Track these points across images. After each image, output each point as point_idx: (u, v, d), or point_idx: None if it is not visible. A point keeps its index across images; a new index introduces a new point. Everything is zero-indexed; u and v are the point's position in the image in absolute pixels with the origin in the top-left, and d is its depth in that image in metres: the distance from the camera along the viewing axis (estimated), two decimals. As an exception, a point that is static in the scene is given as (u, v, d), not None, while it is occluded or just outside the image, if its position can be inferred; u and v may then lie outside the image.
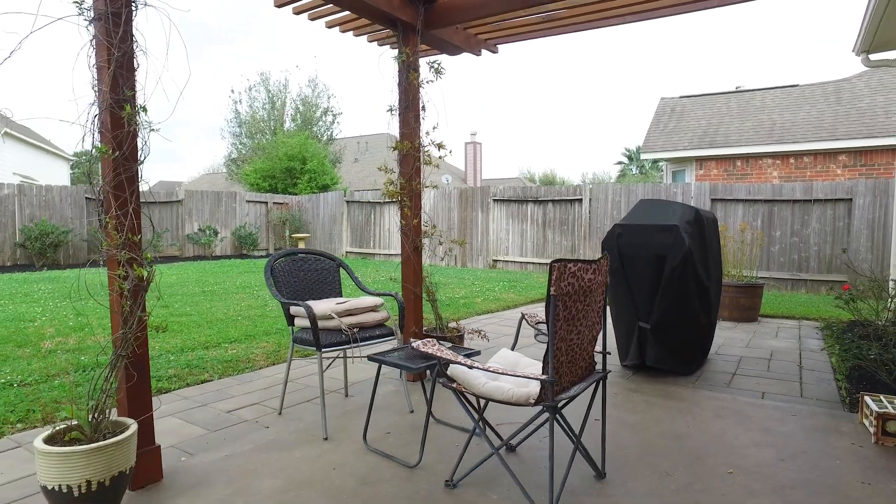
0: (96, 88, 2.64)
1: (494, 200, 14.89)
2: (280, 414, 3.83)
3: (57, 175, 33.29)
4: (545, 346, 4.54)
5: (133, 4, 2.65)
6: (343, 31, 5.09)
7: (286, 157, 21.47)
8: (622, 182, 36.19)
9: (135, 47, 2.66)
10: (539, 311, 8.34)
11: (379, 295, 3.94)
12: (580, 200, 13.51)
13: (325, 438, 3.35)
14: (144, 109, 2.68)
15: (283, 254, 3.92)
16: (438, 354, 2.64)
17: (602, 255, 2.87)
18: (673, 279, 4.52)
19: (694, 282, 4.60)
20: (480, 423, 2.70)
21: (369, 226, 17.19)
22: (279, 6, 4.54)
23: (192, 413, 3.84)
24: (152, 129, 2.72)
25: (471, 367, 2.61)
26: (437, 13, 4.49)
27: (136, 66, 2.68)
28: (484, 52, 5.47)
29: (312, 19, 4.82)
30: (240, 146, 28.40)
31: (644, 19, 4.82)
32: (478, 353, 3.22)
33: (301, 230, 18.15)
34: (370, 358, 3.13)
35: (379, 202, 16.90)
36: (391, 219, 16.75)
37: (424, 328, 4.71)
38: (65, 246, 13.72)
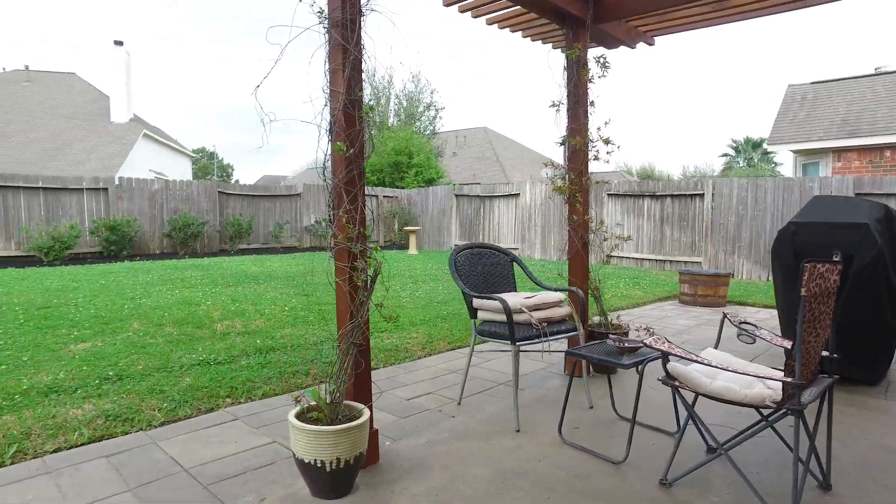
0: (326, 90, 2.81)
1: (609, 195, 14.55)
2: (459, 404, 3.95)
3: (182, 170, 36.02)
4: (747, 346, 4.39)
5: (362, 12, 2.80)
6: (501, 28, 5.13)
7: (393, 152, 22.02)
8: (727, 175, 34.23)
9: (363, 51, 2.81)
10: (695, 310, 8.10)
11: (556, 290, 3.97)
12: (701, 195, 12.92)
13: (518, 430, 3.42)
14: (372, 109, 2.84)
15: (464, 247, 4.02)
16: (672, 351, 2.62)
17: (834, 256, 2.73)
18: (862, 280, 4.23)
19: (885, 283, 4.28)
20: (697, 424, 2.66)
21: (478, 219, 17.31)
22: (447, 5, 4.65)
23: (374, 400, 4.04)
24: (378, 126, 2.86)
25: (708, 367, 2.58)
26: (607, 7, 4.43)
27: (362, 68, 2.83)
28: (640, 44, 5.34)
29: (475, 17, 4.90)
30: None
31: (822, 3, 4.53)
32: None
33: (410, 223, 18.56)
34: (569, 353, 3.15)
35: (488, 196, 16.98)
36: (501, 212, 16.79)
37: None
38: (201, 236, 14.81)
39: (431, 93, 28.48)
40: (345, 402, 2.84)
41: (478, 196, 17.34)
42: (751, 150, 37.92)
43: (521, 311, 3.50)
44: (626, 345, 3.17)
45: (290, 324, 6.28)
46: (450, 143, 33.67)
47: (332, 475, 2.46)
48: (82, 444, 3.26)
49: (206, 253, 14.93)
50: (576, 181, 4.43)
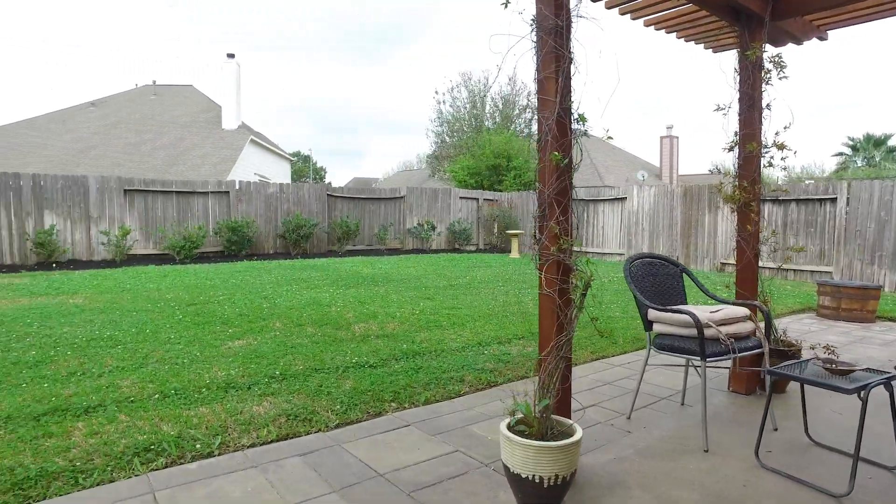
0: (533, 99, 2.77)
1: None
2: (629, 418, 3.82)
3: (282, 173, 37.78)
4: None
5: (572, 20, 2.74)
6: (658, 30, 4.95)
7: (492, 155, 22.01)
8: (842, 176, 31.66)
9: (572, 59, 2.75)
10: (840, 325, 7.48)
11: (734, 304, 3.75)
12: (833, 200, 11.99)
13: (706, 451, 3.25)
14: (584, 118, 2.77)
15: (636, 257, 3.89)
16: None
17: None
18: None
19: None
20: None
21: (581, 224, 16.96)
22: (609, 7, 4.53)
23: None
24: (584, 134, 2.80)
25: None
26: (789, 2, 4.15)
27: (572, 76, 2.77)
28: (810, 39, 4.99)
29: (635, 18, 4.75)
30: (441, 144, 29.75)
31: None
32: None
33: (510, 226, 18.47)
34: (774, 373, 2.95)
35: (592, 200, 16.60)
36: (605, 217, 16.37)
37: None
38: (312, 237, 15.40)
39: (528, 94, 28.25)
40: (554, 416, 2.79)
41: (581, 200, 16.99)
42: (872, 149, 34.98)
43: (708, 326, 3.33)
44: (836, 367, 2.93)
45: (425, 328, 6.35)
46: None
47: (548, 491, 2.41)
48: (272, 441, 3.41)
49: (315, 253, 15.50)
50: (749, 189, 4.18)
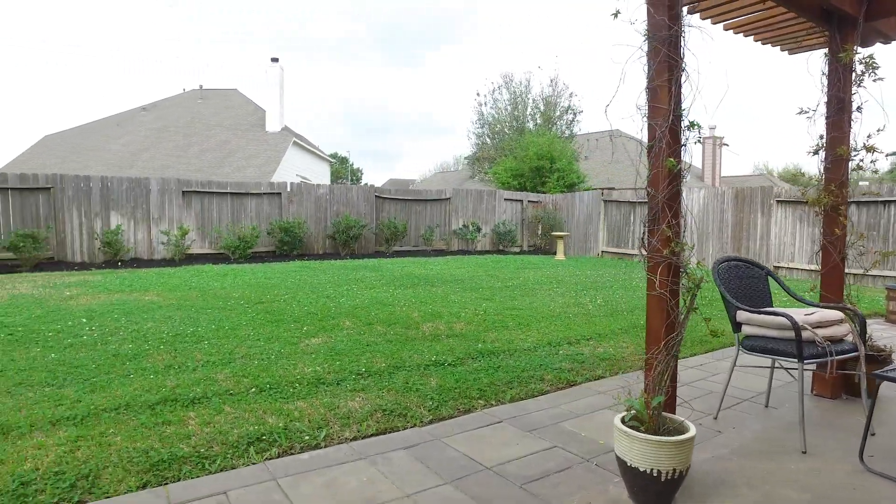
0: (644, 107, 2.85)
1: (778, 202, 13.57)
2: (716, 418, 3.85)
3: (322, 174, 38.42)
4: None
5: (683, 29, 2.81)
6: (737, 33, 4.95)
7: (535, 157, 22.00)
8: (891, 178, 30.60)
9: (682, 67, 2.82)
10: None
11: (826, 307, 3.75)
12: None
13: (804, 452, 3.27)
14: (695, 125, 2.83)
15: (723, 259, 3.92)
16: None
17: None
18: None
19: None
20: None
21: (628, 226, 16.86)
22: (691, 12, 4.55)
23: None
24: (698, 141, 2.86)
25: None
26: (882, 2, 4.12)
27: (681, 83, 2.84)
28: None
29: (715, 23, 4.77)
30: (482, 145, 29.84)
31: None
32: None
33: (555, 228, 18.45)
34: (878, 376, 2.96)
35: (640, 202, 16.47)
36: (652, 219, 16.22)
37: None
38: (360, 238, 15.66)
39: (570, 96, 28.16)
40: (663, 413, 2.86)
41: (628, 202, 16.90)
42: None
43: (804, 328, 3.34)
44: (945, 371, 2.92)
45: (492, 328, 6.44)
46: (581, 147, 33.12)
47: (665, 485, 2.49)
48: (372, 435, 3.55)
49: (363, 254, 15.76)
50: (837, 193, 4.16)
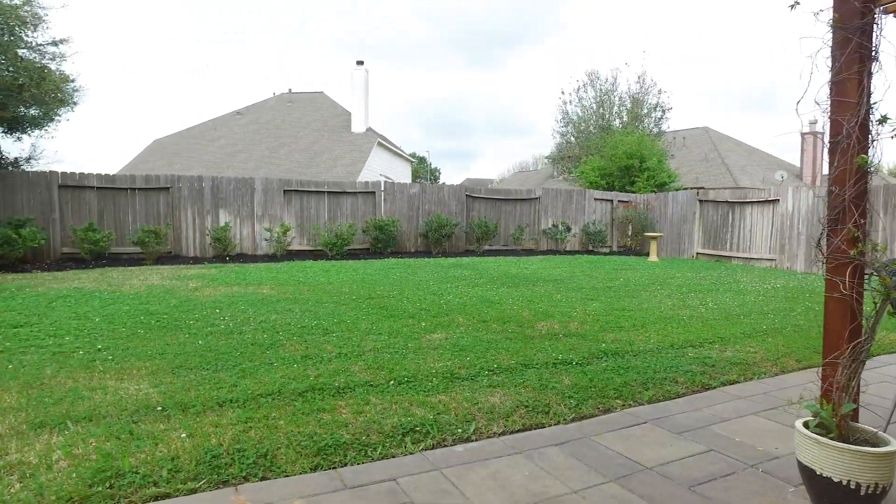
0: (825, 102, 2.72)
1: (902, 202, 12.59)
2: (885, 430, 3.62)
3: (403, 174, 39.10)
4: None
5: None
6: None
7: (624, 156, 21.48)
8: None
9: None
10: None
11: None
12: None
13: None
14: (886, 120, 2.69)
15: (889, 262, 3.69)
16: None
17: None
18: None
19: None
20: None
21: (726, 227, 16.15)
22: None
23: (784, 417, 3.88)
24: (892, 137, 2.70)
25: None
26: None
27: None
28: None
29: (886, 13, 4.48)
30: (566, 144, 29.44)
31: None
32: None
33: (647, 229, 17.94)
34: None
35: (739, 202, 15.75)
36: (753, 220, 15.47)
37: None
38: (451, 237, 15.82)
39: (659, 92, 27.27)
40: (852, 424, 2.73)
41: (726, 202, 16.18)
42: None
43: None
44: None
45: (607, 328, 6.35)
46: (667, 145, 32.02)
47: (865, 499, 2.37)
48: (519, 431, 3.59)
49: (454, 252, 15.90)
50: None
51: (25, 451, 3.05)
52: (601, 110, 27.76)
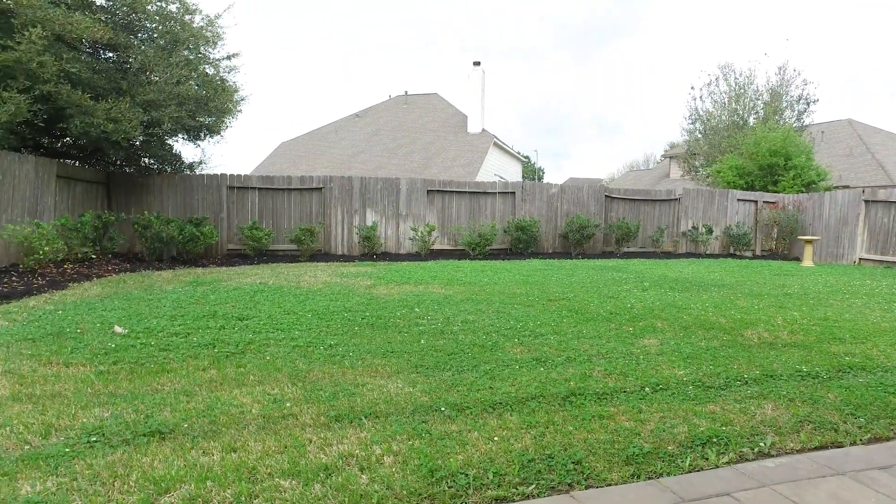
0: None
1: None
2: None
3: (515, 174, 38.95)
4: None
5: None
6: None
7: (767, 153, 20.09)
8: None
9: None
10: None
11: None
12: None
13: None
14: None
15: None
16: None
17: None
18: None
19: None
20: None
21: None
22: None
23: None
24: None
25: None
26: None
27: None
28: None
29: None
30: (694, 142, 28.07)
31: None
32: None
33: (797, 231, 16.70)
34: None
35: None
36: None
37: None
38: (591, 238, 15.48)
39: (804, 83, 25.26)
40: None
41: (887, 202, 14.72)
42: None
43: None
44: None
45: (826, 339, 5.87)
46: (807, 140, 29.68)
47: None
48: (816, 449, 3.34)
49: (592, 254, 15.55)
50: None
51: (343, 444, 3.20)
52: (734, 105, 26.15)
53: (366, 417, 3.58)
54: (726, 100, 26.63)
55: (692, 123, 28.07)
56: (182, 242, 11.86)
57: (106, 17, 10.67)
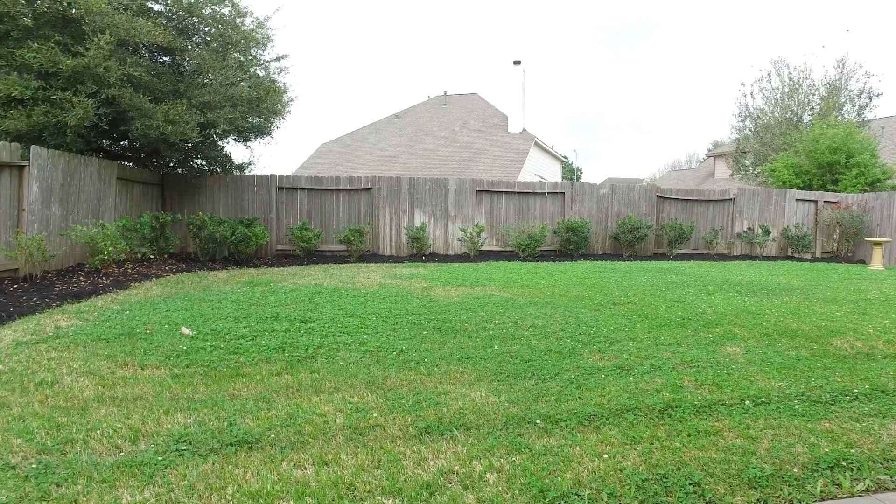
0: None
1: None
2: None
3: (555, 174, 38.47)
4: None
5: None
6: None
7: (828, 151, 19.26)
8: None
9: None
10: None
11: None
12: None
13: None
14: None
15: None
16: None
17: None
18: None
19: None
20: None
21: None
22: None
23: None
24: None
25: None
26: None
27: None
28: None
29: None
30: (743, 140, 27.21)
31: None
32: None
33: (862, 233, 15.94)
34: None
35: None
36: None
37: None
38: (643, 239, 15.07)
39: (866, 76, 24.14)
40: None
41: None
42: None
43: None
44: None
45: (932, 350, 5.47)
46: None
47: None
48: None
49: (644, 256, 15.14)
50: None
51: (440, 459, 3.04)
52: (788, 102, 25.19)
53: (457, 429, 3.41)
54: (779, 96, 25.69)
55: (742, 121, 27.21)
56: (234, 243, 11.95)
57: (164, 22, 10.80)
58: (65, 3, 8.99)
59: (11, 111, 8.84)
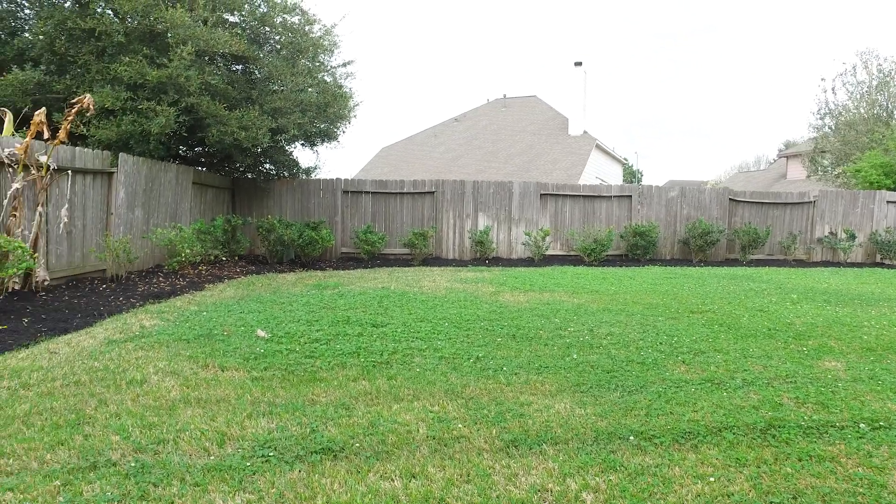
0: None
1: None
2: None
3: (616, 176, 37.60)
4: None
5: None
6: None
7: (920, 150, 17.98)
8: None
9: None
10: None
11: None
12: None
13: None
14: None
15: None
16: None
17: None
18: None
19: None
20: None
21: None
22: None
23: None
24: None
25: None
26: None
27: None
28: None
29: None
30: (822, 139, 25.77)
31: None
32: None
33: (961, 238, 14.75)
34: None
35: None
36: None
37: None
38: (715, 244, 14.44)
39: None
40: None
41: None
42: None
43: None
44: None
45: None
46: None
47: None
48: None
49: (714, 262, 14.49)
50: None
51: (531, 475, 2.91)
52: (876, 96, 23.67)
53: (545, 443, 3.27)
54: (865, 90, 24.18)
55: (821, 118, 25.77)
56: (300, 246, 12.17)
57: (239, 32, 11.13)
58: (152, 19, 9.41)
59: (104, 121, 9.32)
